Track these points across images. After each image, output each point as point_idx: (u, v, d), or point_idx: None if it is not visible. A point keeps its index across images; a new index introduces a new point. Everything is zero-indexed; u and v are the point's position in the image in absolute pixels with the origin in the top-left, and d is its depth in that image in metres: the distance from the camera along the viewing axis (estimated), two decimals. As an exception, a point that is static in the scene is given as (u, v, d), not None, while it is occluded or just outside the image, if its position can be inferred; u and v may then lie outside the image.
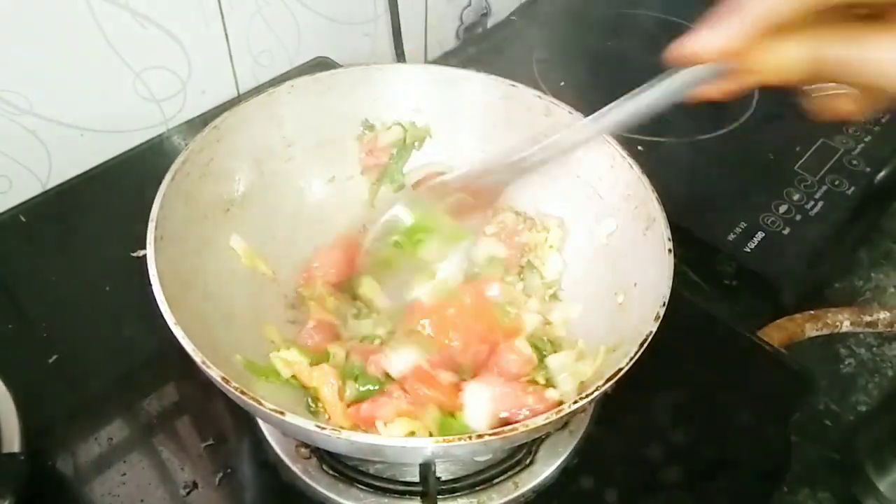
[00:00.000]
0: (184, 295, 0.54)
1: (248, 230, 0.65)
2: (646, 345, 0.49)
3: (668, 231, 0.58)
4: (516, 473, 0.61)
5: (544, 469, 0.61)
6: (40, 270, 0.74)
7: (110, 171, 0.85)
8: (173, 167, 0.59)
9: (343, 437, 0.43)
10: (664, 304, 0.52)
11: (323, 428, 0.43)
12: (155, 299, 0.49)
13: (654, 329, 0.50)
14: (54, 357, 0.68)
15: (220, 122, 0.63)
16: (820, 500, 0.73)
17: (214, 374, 0.45)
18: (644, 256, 0.59)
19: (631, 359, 0.48)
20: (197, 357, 0.46)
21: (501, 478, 0.60)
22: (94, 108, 0.81)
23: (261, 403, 0.44)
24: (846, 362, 0.85)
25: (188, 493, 0.59)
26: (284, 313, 0.67)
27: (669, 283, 0.53)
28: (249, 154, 0.67)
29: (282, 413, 0.44)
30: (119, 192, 0.79)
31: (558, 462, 0.62)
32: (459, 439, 0.44)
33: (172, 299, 0.50)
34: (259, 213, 0.67)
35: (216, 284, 0.60)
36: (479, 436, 0.44)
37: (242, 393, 0.45)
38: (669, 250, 0.56)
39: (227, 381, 0.45)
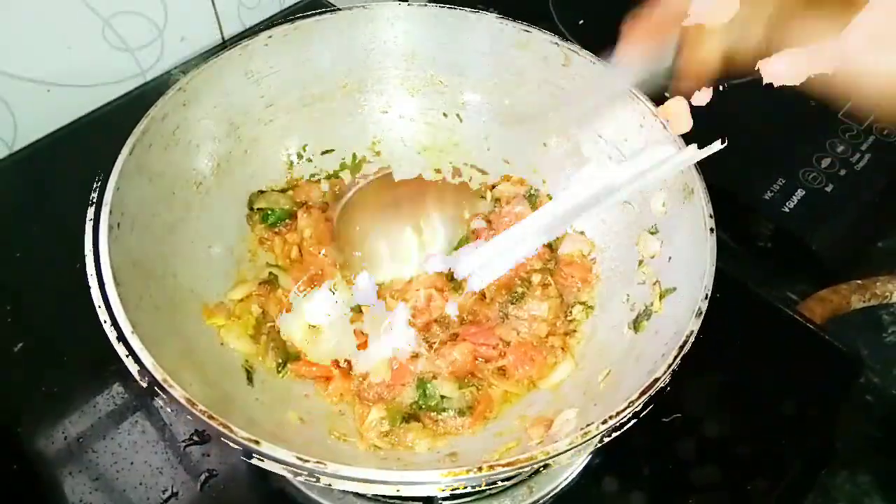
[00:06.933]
0: (147, 289, 0.47)
1: (225, 206, 0.58)
2: (685, 349, 0.42)
3: (710, 205, 0.49)
4: (531, 476, 0.54)
5: (563, 470, 0.55)
6: (4, 246, 0.68)
7: (83, 130, 0.77)
8: (131, 139, 0.51)
9: (329, 471, 0.37)
10: (706, 297, 0.44)
11: (305, 461, 0.37)
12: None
13: (696, 328, 0.43)
14: (20, 345, 0.61)
15: (186, 82, 0.55)
16: (860, 484, 0.66)
17: (178, 394, 0.39)
18: (678, 235, 0.51)
19: (669, 366, 0.41)
20: (157, 373, 0.39)
21: (515, 481, 0.54)
22: (60, 60, 0.75)
23: (230, 430, 0.38)
24: (889, 331, 0.77)
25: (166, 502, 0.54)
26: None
27: (711, 270, 0.46)
28: (223, 118, 0.59)
29: (256, 442, 0.37)
30: (93, 154, 0.70)
31: (578, 461, 0.55)
32: (468, 472, 0.37)
33: (131, 298, 0.43)
34: (237, 186, 0.60)
35: (187, 273, 0.53)
36: (491, 466, 0.37)
37: (210, 418, 0.38)
38: (711, 230, 0.48)
39: (192, 404, 0.38)
